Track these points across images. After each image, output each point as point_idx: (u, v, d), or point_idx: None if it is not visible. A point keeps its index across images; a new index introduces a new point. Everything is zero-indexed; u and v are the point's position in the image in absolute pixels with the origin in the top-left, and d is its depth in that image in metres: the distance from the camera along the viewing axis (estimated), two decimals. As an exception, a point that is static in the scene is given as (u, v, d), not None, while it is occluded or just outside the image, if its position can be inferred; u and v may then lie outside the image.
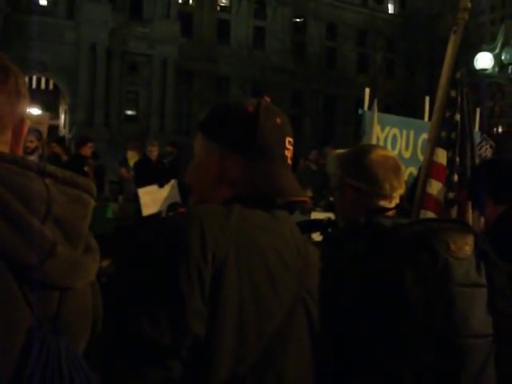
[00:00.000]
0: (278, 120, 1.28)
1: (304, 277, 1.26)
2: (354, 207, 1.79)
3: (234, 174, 1.24)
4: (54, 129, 30.88)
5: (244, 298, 1.11)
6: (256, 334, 1.12)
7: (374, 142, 9.30)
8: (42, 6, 34.86)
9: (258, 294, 1.14)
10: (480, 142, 10.76)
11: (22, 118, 1.00)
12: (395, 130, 9.96)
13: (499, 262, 1.55)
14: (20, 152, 1.01)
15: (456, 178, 3.28)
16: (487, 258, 1.52)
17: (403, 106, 40.88)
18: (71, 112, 35.21)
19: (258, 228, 1.20)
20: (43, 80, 38.66)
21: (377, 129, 9.57)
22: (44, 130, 12.91)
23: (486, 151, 11.21)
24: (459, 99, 3.35)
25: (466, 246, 1.48)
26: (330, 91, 39.85)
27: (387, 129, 9.84)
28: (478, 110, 8.14)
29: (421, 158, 9.95)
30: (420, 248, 1.46)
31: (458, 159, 3.29)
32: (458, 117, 3.32)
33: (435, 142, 3.43)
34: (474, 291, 1.47)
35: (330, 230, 2.27)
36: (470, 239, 1.50)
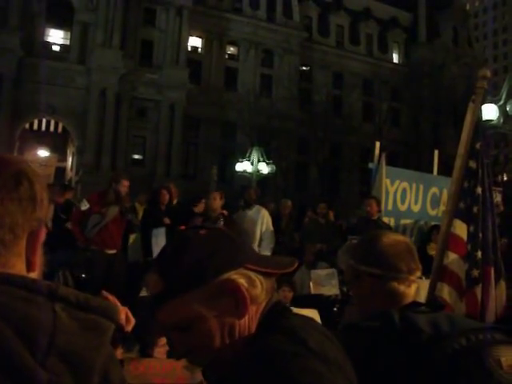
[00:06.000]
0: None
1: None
2: (374, 295, 1.74)
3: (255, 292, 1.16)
4: (60, 171, 31.10)
5: None
6: None
7: (383, 195, 9.27)
8: (55, 51, 35.66)
9: None
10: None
11: (39, 225, 0.94)
12: (405, 184, 9.94)
13: None
14: (37, 261, 0.95)
15: (480, 254, 3.18)
16: None
17: (408, 154, 41.19)
18: (79, 155, 35.48)
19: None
20: (52, 123, 39.21)
21: (386, 182, 9.55)
22: (51, 171, 13.00)
23: (496, 197, 11.21)
24: (480, 171, 3.29)
25: None
26: (335, 139, 40.17)
27: (397, 183, 9.82)
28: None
29: (430, 212, 9.93)
30: (472, 370, 1.37)
31: (480, 235, 3.20)
32: (479, 190, 3.25)
33: (453, 213, 3.36)
34: None
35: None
36: None
